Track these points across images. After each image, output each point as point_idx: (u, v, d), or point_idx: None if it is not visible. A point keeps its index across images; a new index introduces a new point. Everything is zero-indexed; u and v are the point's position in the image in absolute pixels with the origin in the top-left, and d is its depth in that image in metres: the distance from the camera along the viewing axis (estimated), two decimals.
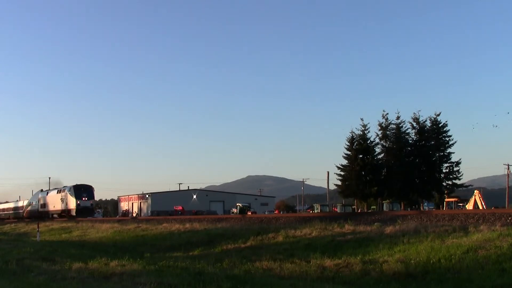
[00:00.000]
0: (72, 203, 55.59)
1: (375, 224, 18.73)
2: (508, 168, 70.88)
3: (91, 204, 57.51)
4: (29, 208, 70.96)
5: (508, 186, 68.90)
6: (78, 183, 58.42)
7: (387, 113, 50.32)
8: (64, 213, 57.41)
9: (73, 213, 55.00)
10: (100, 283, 9.35)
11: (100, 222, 39.50)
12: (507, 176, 69.98)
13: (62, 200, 58.04)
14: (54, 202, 60.45)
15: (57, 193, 60.62)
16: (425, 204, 54.38)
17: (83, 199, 55.75)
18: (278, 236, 18.92)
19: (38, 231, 29.07)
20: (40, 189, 70.98)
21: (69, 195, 56.57)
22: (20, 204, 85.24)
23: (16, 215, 78.15)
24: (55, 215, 60.09)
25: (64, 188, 59.85)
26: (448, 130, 48.41)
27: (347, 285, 11.19)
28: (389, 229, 16.33)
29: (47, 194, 65.14)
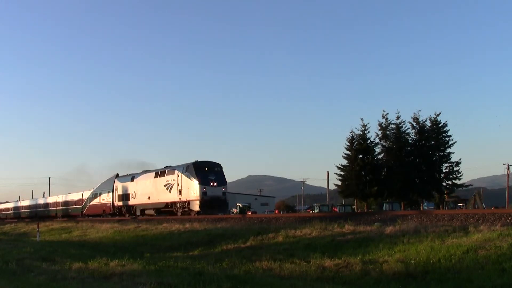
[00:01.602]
0: (193, 190, 34.51)
1: (375, 224, 18.74)
2: (508, 168, 70.92)
3: (224, 193, 35.40)
4: (95, 201, 51.42)
5: (508, 186, 68.94)
6: (198, 160, 36.43)
7: (387, 113, 50.33)
8: (174, 207, 37.20)
9: (196, 207, 34.52)
10: (100, 283, 9.36)
11: (100, 222, 39.51)
12: (507, 176, 70.02)
13: (168, 187, 37.50)
14: (151, 191, 40.06)
15: (157, 176, 39.67)
16: (425, 204, 54.39)
17: (211, 184, 34.40)
18: (278, 236, 18.92)
19: (38, 231, 29.11)
20: (116, 173, 48.75)
21: (185, 177, 35.46)
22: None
23: (17, 214, 76.79)
24: (149, 211, 40.48)
25: (171, 168, 38.61)
26: (448, 130, 48.45)
27: (347, 285, 11.19)
28: (389, 229, 16.32)
29: (132, 180, 43.72)
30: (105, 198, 48.91)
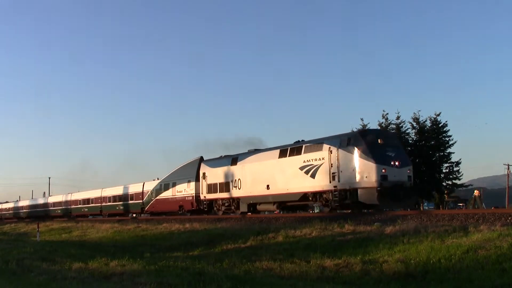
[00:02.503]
0: (364, 173, 23.03)
1: (375, 224, 18.73)
2: (508, 168, 70.90)
3: (410, 178, 24.03)
4: (166, 194, 39.92)
5: (508, 186, 68.89)
6: (364, 128, 25.72)
7: (387, 113, 50.21)
8: (320, 199, 25.59)
9: (369, 198, 23.06)
10: (100, 283, 9.37)
11: (100, 222, 39.54)
12: (507, 176, 69.99)
13: (309, 169, 25.40)
14: (273, 177, 27.99)
15: (285, 155, 27.41)
16: (425, 204, 54.43)
17: (392, 163, 23.22)
18: (278, 236, 18.92)
19: (38, 231, 29.14)
20: (199, 156, 36.92)
21: (345, 154, 23.75)
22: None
23: (17, 214, 76.02)
24: (266, 206, 29.58)
25: (315, 141, 26.28)
26: (448, 130, 48.45)
27: (347, 285, 11.19)
28: (389, 229, 16.33)
29: (233, 163, 31.55)
30: (183, 190, 37.23)
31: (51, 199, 65.99)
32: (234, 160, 31.81)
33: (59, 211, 60.27)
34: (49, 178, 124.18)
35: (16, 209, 76.62)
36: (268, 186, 28.42)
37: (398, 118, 49.80)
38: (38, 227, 30.06)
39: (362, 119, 50.68)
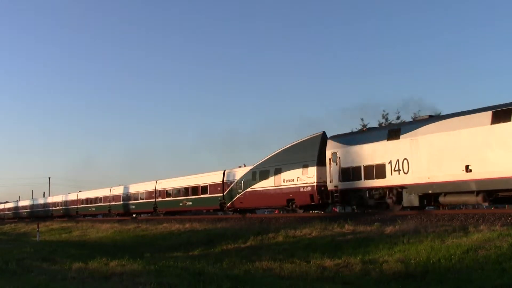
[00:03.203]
0: None
1: (375, 224, 18.74)
2: None
3: None
4: (265, 184, 29.82)
5: None
6: None
7: (387, 113, 50.17)
8: None
9: None
10: (100, 283, 9.38)
11: (100, 222, 39.57)
12: None
13: None
14: (474, 154, 18.96)
15: (507, 117, 17.81)
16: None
17: None
18: (278, 236, 18.94)
19: (38, 231, 29.19)
20: (320, 132, 27.25)
21: None
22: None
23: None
24: (459, 197, 20.32)
25: None
26: None
27: (347, 285, 11.20)
28: (389, 229, 16.34)
29: (393, 136, 22.33)
30: (296, 178, 27.50)
31: (81, 195, 55.89)
32: (393, 132, 22.83)
33: (94, 209, 51.78)
34: (49, 178, 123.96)
35: (44, 206, 66.70)
36: (467, 167, 19.66)
37: (398, 118, 49.77)
38: (38, 227, 30.13)
39: (362, 119, 50.80)
